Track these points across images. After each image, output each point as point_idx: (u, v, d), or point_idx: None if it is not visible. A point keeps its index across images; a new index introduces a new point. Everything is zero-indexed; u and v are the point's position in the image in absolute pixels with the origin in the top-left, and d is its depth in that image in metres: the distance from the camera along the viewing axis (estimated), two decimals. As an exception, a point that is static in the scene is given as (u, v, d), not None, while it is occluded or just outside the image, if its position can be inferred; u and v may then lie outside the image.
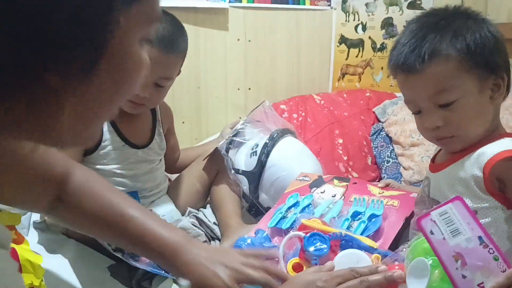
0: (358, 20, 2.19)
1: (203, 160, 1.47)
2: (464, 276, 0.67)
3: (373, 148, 2.00)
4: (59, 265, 0.99)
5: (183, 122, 2.00)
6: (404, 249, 0.83)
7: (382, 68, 2.25)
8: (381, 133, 2.02)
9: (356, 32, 2.20)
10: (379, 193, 1.21)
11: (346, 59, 2.21)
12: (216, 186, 1.46)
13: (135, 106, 1.27)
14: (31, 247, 0.95)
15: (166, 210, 1.38)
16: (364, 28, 2.21)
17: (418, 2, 2.23)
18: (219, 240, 1.34)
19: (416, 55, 0.89)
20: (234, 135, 1.51)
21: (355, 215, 1.12)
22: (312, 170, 1.42)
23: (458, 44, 0.87)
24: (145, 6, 0.45)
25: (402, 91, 0.96)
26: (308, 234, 0.93)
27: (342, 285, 0.75)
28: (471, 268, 0.68)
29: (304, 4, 2.08)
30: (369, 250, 0.90)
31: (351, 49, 2.21)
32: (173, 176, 1.59)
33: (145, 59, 0.49)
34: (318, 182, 1.30)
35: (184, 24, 1.32)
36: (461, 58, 0.87)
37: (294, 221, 1.11)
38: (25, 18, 0.37)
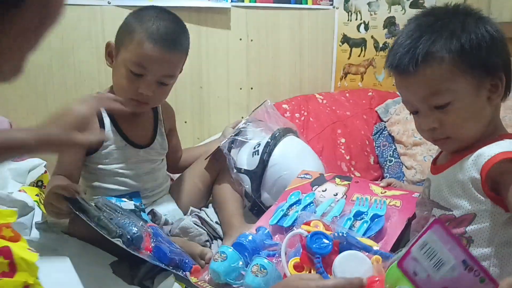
0: (361, 19, 2.19)
1: (205, 159, 1.47)
2: None
3: (376, 147, 2.00)
4: (61, 263, 0.99)
5: (185, 122, 2.00)
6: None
7: (384, 67, 2.24)
8: (384, 132, 2.02)
9: (359, 31, 2.20)
10: (381, 193, 1.21)
11: (349, 58, 2.21)
12: (218, 186, 1.46)
13: (139, 105, 1.28)
14: (33, 246, 0.96)
15: (168, 209, 1.38)
16: (366, 28, 2.20)
17: (421, 1, 2.23)
18: (221, 239, 1.34)
19: (410, 57, 0.88)
20: (236, 134, 1.51)
21: (358, 214, 1.12)
22: (314, 169, 1.42)
23: (453, 46, 0.86)
24: None
25: (399, 91, 0.96)
26: (310, 233, 0.92)
27: None
28: None
29: (306, 3, 2.08)
30: (369, 251, 0.90)
31: (354, 49, 2.21)
32: (175, 176, 1.59)
33: None
34: (319, 180, 1.30)
35: (186, 24, 1.32)
36: (455, 59, 0.86)
37: (296, 219, 1.11)
38: None
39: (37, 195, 1.28)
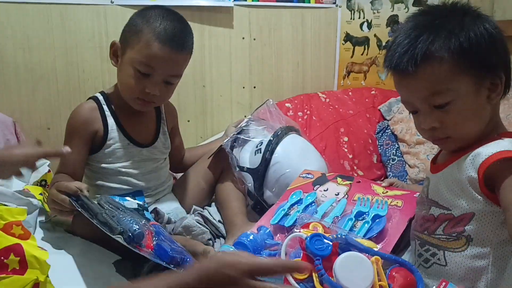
0: (364, 17, 2.18)
1: (208, 158, 1.48)
2: None
3: (379, 146, 2.00)
4: (65, 261, 1.00)
5: (188, 121, 2.00)
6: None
7: (383, 67, 2.24)
8: (387, 131, 2.02)
9: (362, 29, 2.19)
10: (383, 193, 1.21)
11: (352, 57, 2.21)
12: (221, 184, 1.46)
13: (144, 104, 1.29)
14: (38, 244, 0.97)
15: (171, 208, 1.39)
16: (369, 26, 2.20)
17: (424, -1, 2.22)
18: (224, 238, 1.35)
19: (409, 58, 0.87)
20: (238, 133, 1.51)
21: (359, 215, 1.12)
22: (317, 167, 1.42)
23: (452, 45, 0.85)
24: None
25: (398, 91, 0.95)
26: (310, 235, 0.92)
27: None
28: None
29: (309, 2, 2.08)
30: (369, 252, 0.90)
31: (357, 47, 2.20)
32: (178, 175, 1.59)
33: None
34: (321, 180, 1.30)
35: (189, 23, 1.32)
36: (454, 59, 0.85)
37: (297, 219, 1.11)
38: None
39: (40, 194, 1.29)
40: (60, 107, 1.83)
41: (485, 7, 2.28)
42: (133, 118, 1.34)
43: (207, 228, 1.32)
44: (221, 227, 1.37)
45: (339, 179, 1.29)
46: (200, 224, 1.32)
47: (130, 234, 0.98)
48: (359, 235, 1.05)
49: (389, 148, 1.96)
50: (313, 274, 0.86)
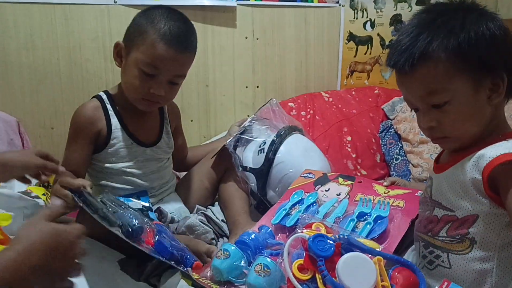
0: (367, 17, 2.18)
1: (211, 158, 1.48)
2: None
3: (382, 145, 2.00)
4: None
5: (191, 121, 2.01)
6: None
7: (387, 66, 2.23)
8: (390, 130, 2.01)
9: (365, 29, 2.19)
10: (384, 193, 1.20)
11: (355, 56, 2.20)
12: (224, 184, 1.46)
13: (149, 104, 1.29)
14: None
15: (174, 207, 1.39)
16: (372, 25, 2.20)
17: (427, -2, 2.22)
18: (227, 237, 1.35)
19: (407, 57, 0.86)
20: (241, 133, 1.51)
21: (361, 215, 1.12)
22: (320, 167, 1.42)
23: (450, 44, 0.84)
24: None
25: (399, 89, 0.95)
26: (312, 236, 0.92)
27: None
28: None
29: (312, 1, 2.08)
30: (372, 252, 0.90)
31: (360, 46, 2.20)
32: (182, 174, 1.59)
33: None
34: (322, 180, 1.30)
35: (192, 22, 1.32)
36: (452, 59, 0.84)
37: (299, 219, 1.10)
38: None
39: (43, 194, 1.29)
40: (64, 106, 1.84)
41: (489, 6, 2.25)
42: (137, 118, 1.34)
43: (210, 228, 1.33)
44: (224, 226, 1.37)
45: (340, 179, 1.29)
46: (203, 223, 1.32)
47: (129, 228, 0.98)
48: (361, 235, 1.04)
49: (393, 147, 1.96)
50: (316, 275, 0.86)
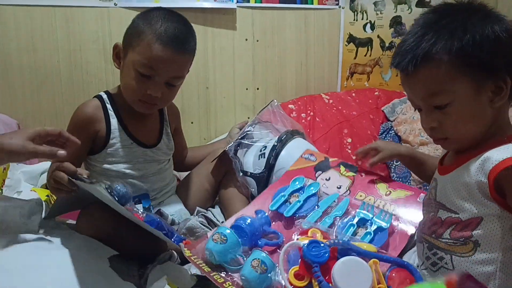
0: (367, 19, 2.18)
1: (212, 161, 1.48)
2: None
3: (382, 147, 1.99)
4: (64, 254, 1.00)
5: (191, 123, 2.01)
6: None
7: (391, 67, 2.24)
8: (390, 132, 2.01)
9: (365, 31, 2.19)
10: (386, 194, 1.20)
11: (355, 58, 2.21)
12: (225, 186, 1.46)
13: (147, 106, 1.29)
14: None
15: (175, 209, 1.39)
16: (372, 27, 2.20)
17: (427, 0, 2.22)
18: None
19: (410, 58, 0.87)
20: (242, 138, 1.51)
21: (362, 222, 1.11)
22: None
23: (454, 47, 0.84)
24: None
25: (403, 88, 0.96)
26: (307, 242, 0.93)
27: None
28: None
29: (312, 3, 2.08)
30: (368, 255, 0.90)
31: (360, 48, 2.20)
32: (182, 176, 1.60)
33: None
34: (323, 165, 1.28)
35: (192, 25, 1.32)
36: (454, 61, 0.84)
37: (298, 209, 1.10)
38: None
39: (47, 195, 1.30)
40: (64, 108, 1.84)
41: (490, 6, 2.26)
42: (136, 119, 1.34)
43: (210, 230, 1.32)
44: (224, 228, 1.37)
45: (342, 168, 1.27)
46: (204, 225, 1.32)
47: (115, 192, 1.04)
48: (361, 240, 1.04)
49: (393, 149, 1.96)
50: (313, 281, 0.86)
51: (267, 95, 2.08)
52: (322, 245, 0.89)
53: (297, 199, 1.15)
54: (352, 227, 1.09)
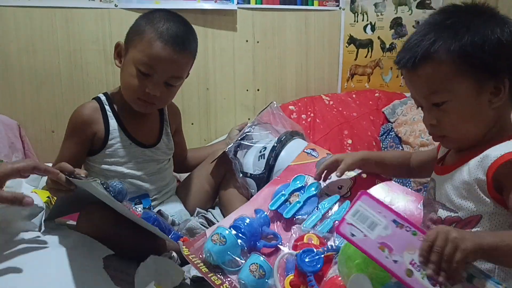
0: (367, 20, 2.18)
1: (211, 162, 1.48)
2: (395, 261, 0.72)
3: (383, 148, 1.99)
4: (61, 253, 1.00)
5: (192, 123, 2.01)
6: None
7: (391, 68, 2.24)
8: (391, 133, 2.01)
9: (365, 32, 2.20)
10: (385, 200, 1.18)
11: (355, 59, 2.21)
12: (225, 187, 1.46)
13: (145, 105, 1.29)
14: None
15: (175, 210, 1.39)
16: (373, 28, 2.20)
17: (428, 1, 2.22)
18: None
19: (410, 56, 0.89)
20: (241, 139, 1.51)
21: None
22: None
23: (453, 46, 0.85)
24: None
25: (406, 86, 0.97)
26: (300, 251, 0.92)
27: None
28: (397, 251, 0.73)
29: (313, 4, 2.08)
30: None
31: (360, 50, 2.20)
32: (182, 177, 1.59)
33: None
34: None
35: (193, 26, 1.33)
36: (454, 61, 0.85)
37: (297, 210, 1.09)
38: None
39: (48, 197, 1.29)
40: (64, 109, 1.84)
41: (493, 7, 2.27)
42: (136, 119, 1.35)
43: (210, 231, 1.32)
44: (224, 229, 1.37)
45: None
46: (204, 226, 1.32)
47: (112, 188, 1.04)
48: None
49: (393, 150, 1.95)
50: None
51: (268, 96, 2.08)
52: (315, 253, 0.90)
53: (297, 199, 1.14)
54: None
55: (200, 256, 0.98)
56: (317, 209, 1.13)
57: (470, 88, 0.86)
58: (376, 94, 2.16)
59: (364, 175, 1.23)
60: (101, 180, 1.08)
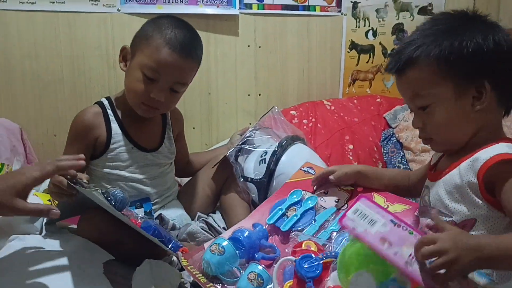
0: (369, 26, 2.19)
1: (213, 167, 1.48)
2: (395, 253, 0.76)
3: (384, 154, 1.99)
4: (61, 256, 1.01)
5: (193, 128, 2.01)
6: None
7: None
8: (392, 138, 2.01)
9: (367, 37, 2.20)
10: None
11: (357, 64, 2.21)
12: (226, 192, 1.46)
13: (149, 109, 1.30)
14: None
15: (176, 214, 1.39)
16: (374, 34, 2.20)
17: (429, 8, 2.23)
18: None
19: (396, 61, 0.94)
20: (242, 143, 1.51)
21: None
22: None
23: (434, 52, 0.89)
24: None
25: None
26: (299, 257, 0.93)
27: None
28: (396, 245, 0.77)
29: (315, 10, 2.09)
30: None
31: (362, 55, 2.21)
32: (184, 181, 1.60)
33: None
34: None
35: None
36: (434, 65, 0.89)
37: (294, 223, 1.10)
38: None
39: (49, 200, 1.30)
40: (67, 114, 1.85)
41: (491, 15, 2.27)
42: (138, 123, 1.35)
43: (211, 235, 1.32)
44: (225, 234, 1.37)
45: None
46: (205, 230, 1.32)
47: (112, 197, 1.03)
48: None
49: (394, 156, 1.95)
50: None
51: (269, 101, 2.09)
52: (314, 259, 0.90)
53: (294, 213, 1.15)
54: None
55: (199, 266, 0.98)
56: (314, 221, 1.13)
57: (451, 91, 0.90)
58: (378, 100, 2.16)
59: (361, 188, 1.24)
60: (102, 189, 1.08)
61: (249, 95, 2.08)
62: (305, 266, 0.90)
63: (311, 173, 1.29)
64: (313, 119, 2.01)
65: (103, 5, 1.83)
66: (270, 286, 0.92)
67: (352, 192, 1.22)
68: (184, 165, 1.57)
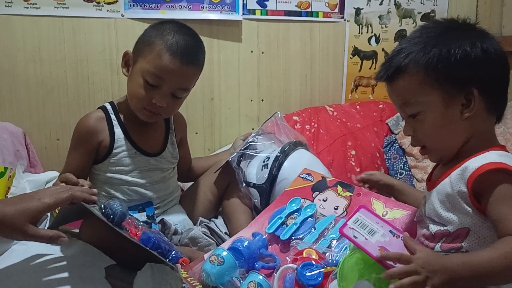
0: (372, 32, 2.19)
1: (215, 172, 1.48)
2: (395, 263, 0.78)
3: (386, 160, 1.99)
4: (62, 260, 1.01)
5: (196, 133, 2.01)
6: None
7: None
8: (394, 145, 2.01)
9: (369, 44, 2.20)
10: (382, 214, 1.18)
11: (359, 71, 2.21)
12: (228, 197, 1.46)
13: (151, 114, 1.30)
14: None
15: (178, 219, 1.39)
16: (377, 40, 2.21)
17: (432, 14, 2.23)
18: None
19: (386, 69, 0.94)
20: (245, 148, 1.51)
21: None
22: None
23: (422, 59, 0.89)
24: None
25: None
26: (300, 265, 0.92)
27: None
28: None
29: (318, 16, 2.10)
30: None
31: (365, 61, 2.21)
32: (186, 186, 1.60)
33: None
34: (321, 185, 1.27)
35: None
36: (422, 73, 0.89)
37: (294, 231, 1.10)
38: None
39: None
40: (70, 118, 1.85)
41: (494, 22, 2.28)
42: (142, 128, 1.36)
43: (213, 240, 1.32)
44: (227, 239, 1.37)
45: (339, 188, 1.26)
46: (207, 235, 1.32)
47: (111, 210, 1.01)
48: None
49: (397, 162, 1.95)
50: None
51: (272, 107, 2.09)
52: (315, 266, 0.90)
53: (293, 221, 1.15)
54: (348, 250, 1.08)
55: (198, 277, 0.98)
56: (313, 229, 1.13)
57: (439, 99, 0.90)
58: (380, 106, 2.16)
59: (360, 194, 1.24)
60: (102, 202, 1.07)
61: (251, 100, 2.08)
62: (307, 274, 0.90)
63: (309, 180, 1.29)
64: (316, 125, 2.01)
65: (107, 10, 1.84)
66: None
67: (352, 198, 1.22)
68: (186, 170, 1.57)
